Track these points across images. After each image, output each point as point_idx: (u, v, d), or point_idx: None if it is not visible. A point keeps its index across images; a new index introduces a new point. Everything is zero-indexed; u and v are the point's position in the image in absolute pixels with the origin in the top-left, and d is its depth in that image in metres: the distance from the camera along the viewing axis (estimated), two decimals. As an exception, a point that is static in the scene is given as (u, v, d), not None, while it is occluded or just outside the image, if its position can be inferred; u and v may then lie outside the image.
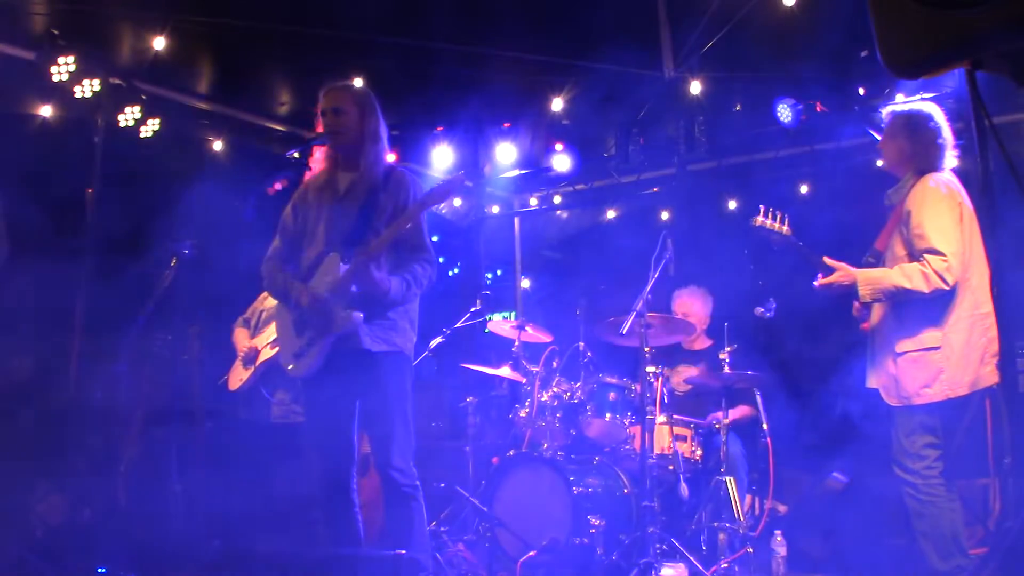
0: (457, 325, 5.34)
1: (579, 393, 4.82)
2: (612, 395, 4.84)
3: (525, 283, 7.70)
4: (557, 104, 5.86)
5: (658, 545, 4.15)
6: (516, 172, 6.70)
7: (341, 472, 3.37)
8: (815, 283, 3.57)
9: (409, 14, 4.83)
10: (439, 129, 6.31)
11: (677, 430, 4.74)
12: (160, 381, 4.98)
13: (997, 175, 1.96)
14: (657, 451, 4.60)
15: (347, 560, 3.08)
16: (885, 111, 3.74)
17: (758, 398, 4.81)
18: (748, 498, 4.78)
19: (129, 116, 5.30)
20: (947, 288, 3.24)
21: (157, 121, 5.42)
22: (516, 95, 5.81)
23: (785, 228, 3.68)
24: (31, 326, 4.58)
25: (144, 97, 5.33)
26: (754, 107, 5.71)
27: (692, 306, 5.37)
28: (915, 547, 3.38)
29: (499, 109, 6.03)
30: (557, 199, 7.42)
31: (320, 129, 3.39)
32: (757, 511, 4.74)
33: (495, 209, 7.63)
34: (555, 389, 4.83)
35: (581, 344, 5.05)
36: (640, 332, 4.34)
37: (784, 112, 5.35)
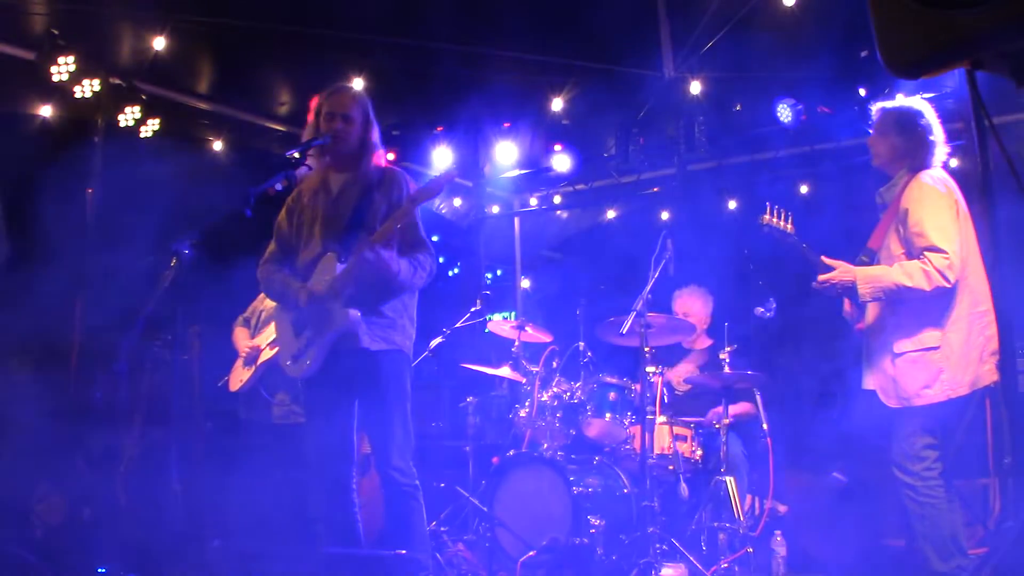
0: (457, 325, 5.34)
1: (579, 393, 4.82)
2: (612, 395, 4.84)
3: (525, 283, 7.70)
4: (557, 104, 5.86)
5: (658, 545, 4.14)
6: (516, 172, 6.71)
7: (341, 472, 3.36)
8: (814, 283, 3.56)
9: (409, 14, 4.83)
10: (439, 129, 6.31)
11: (677, 430, 4.74)
12: (160, 381, 4.98)
13: (997, 175, 1.96)
14: (657, 451, 4.61)
15: (347, 560, 3.08)
16: (874, 108, 3.66)
17: (758, 398, 4.81)
18: (748, 498, 4.77)
19: (129, 116, 5.31)
20: (948, 286, 3.22)
21: (157, 121, 5.43)
22: (516, 95, 5.81)
23: (789, 227, 3.67)
24: (31, 326, 4.58)
25: (144, 97, 5.33)
26: (754, 107, 5.71)
27: (692, 306, 5.36)
28: (915, 547, 3.38)
29: (499, 109, 6.03)
30: (557, 199, 7.43)
31: (323, 129, 3.38)
32: (757, 511, 4.74)
33: (495, 209, 7.63)
34: (555, 389, 4.83)
35: (581, 344, 5.05)
36: (640, 332, 4.34)
37: (784, 112, 5.35)
